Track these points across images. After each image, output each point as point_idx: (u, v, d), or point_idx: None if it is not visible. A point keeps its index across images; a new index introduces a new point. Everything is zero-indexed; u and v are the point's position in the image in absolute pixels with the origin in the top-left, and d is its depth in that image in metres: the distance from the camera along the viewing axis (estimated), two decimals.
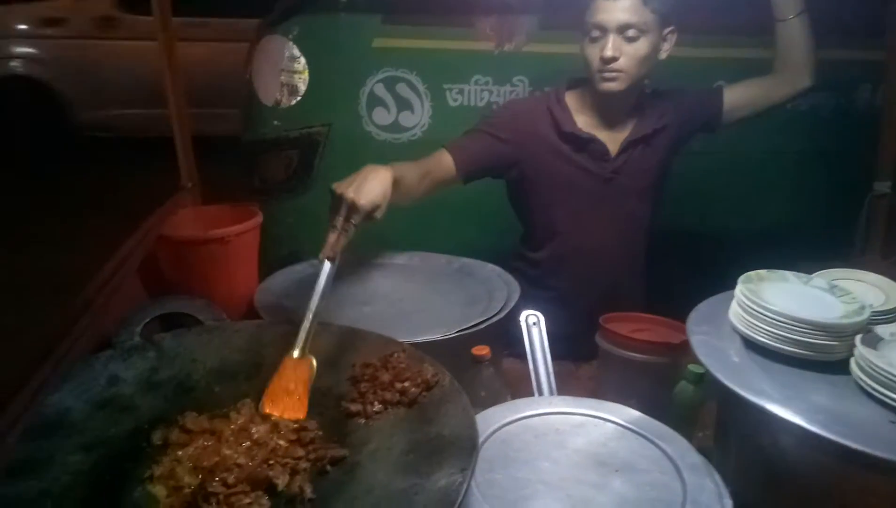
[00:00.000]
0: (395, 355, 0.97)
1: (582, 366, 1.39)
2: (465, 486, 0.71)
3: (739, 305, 0.94)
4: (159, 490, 0.77)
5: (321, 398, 0.95)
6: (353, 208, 1.07)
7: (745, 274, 0.99)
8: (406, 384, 0.91)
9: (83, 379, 0.92)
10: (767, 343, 0.89)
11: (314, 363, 0.98)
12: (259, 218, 1.29)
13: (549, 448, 0.89)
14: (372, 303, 1.29)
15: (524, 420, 0.95)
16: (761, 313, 0.91)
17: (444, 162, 1.38)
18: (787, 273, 1.01)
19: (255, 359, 1.01)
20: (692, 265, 2.17)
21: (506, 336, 1.21)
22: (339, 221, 1.07)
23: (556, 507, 0.79)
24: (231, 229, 1.21)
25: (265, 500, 0.75)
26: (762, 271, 1.01)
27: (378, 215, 1.11)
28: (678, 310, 1.28)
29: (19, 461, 0.77)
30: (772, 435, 0.84)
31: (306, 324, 0.99)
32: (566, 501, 0.80)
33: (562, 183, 1.45)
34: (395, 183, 1.15)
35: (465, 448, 0.78)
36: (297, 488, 0.76)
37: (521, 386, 1.18)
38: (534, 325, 1.09)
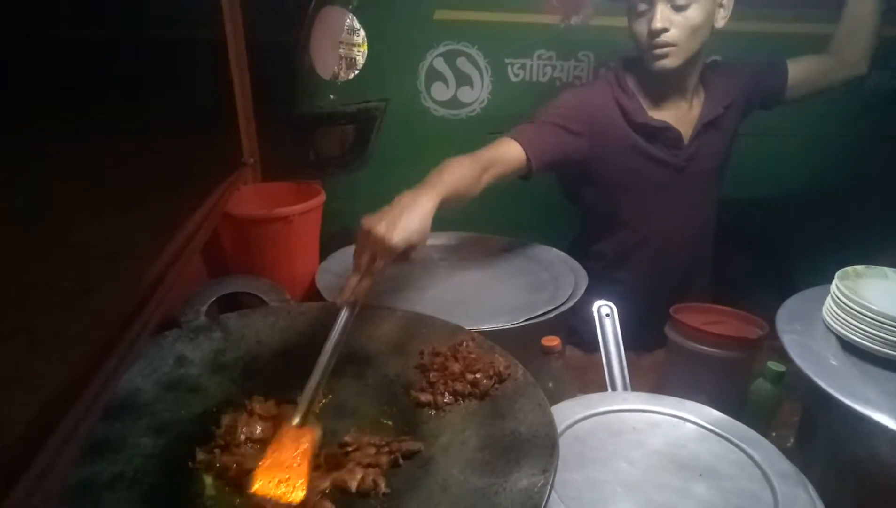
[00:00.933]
0: (465, 344, 0.94)
1: (643, 356, 1.34)
2: (548, 489, 0.68)
3: (836, 303, 0.88)
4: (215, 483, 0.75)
5: (388, 385, 0.92)
6: (381, 248, 0.91)
7: (842, 270, 0.93)
8: (478, 375, 0.88)
9: (151, 359, 0.91)
10: (868, 346, 0.83)
11: (318, 434, 0.83)
12: (322, 197, 1.27)
13: (626, 448, 0.85)
14: (430, 287, 1.25)
15: (598, 417, 0.91)
16: (860, 313, 0.84)
17: (512, 153, 1.25)
18: (887, 270, 0.94)
19: (320, 343, 0.98)
20: (756, 254, 2.09)
21: (565, 325, 1.17)
22: (364, 261, 0.92)
23: None
24: (295, 208, 1.18)
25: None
26: (859, 268, 0.94)
27: (414, 255, 0.96)
28: (741, 302, 1.23)
29: (92, 441, 0.76)
30: (871, 445, 0.78)
31: (312, 384, 0.85)
32: (647, 505, 0.76)
33: (632, 175, 1.37)
34: (445, 201, 1.02)
35: (545, 447, 0.75)
36: (370, 482, 0.74)
37: (583, 379, 1.14)
38: (607, 316, 1.05)
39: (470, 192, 1.15)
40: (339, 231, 1.62)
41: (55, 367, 2.63)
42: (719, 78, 1.39)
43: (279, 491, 0.74)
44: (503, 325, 1.05)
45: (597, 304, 1.06)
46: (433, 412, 0.86)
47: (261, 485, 0.75)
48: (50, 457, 0.60)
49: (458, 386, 0.87)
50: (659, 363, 1.29)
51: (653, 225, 1.40)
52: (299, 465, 0.77)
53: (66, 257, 3.48)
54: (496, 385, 0.87)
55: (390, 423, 0.86)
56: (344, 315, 0.90)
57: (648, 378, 1.26)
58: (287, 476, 0.75)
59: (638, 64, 1.35)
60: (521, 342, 1.00)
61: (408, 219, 0.94)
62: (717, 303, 1.25)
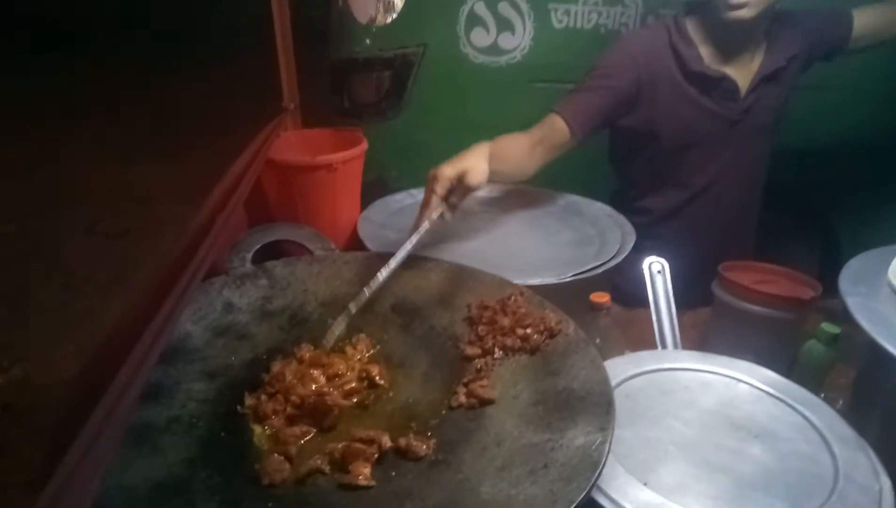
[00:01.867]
0: (513, 298, 0.93)
1: (685, 314, 1.31)
2: (606, 447, 0.67)
3: None
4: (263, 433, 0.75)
5: (435, 338, 0.92)
6: (460, 182, 1.03)
7: None
8: (528, 330, 0.86)
9: (200, 305, 0.91)
10: None
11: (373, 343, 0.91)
12: (365, 144, 1.24)
13: (678, 407, 0.84)
14: (474, 239, 1.23)
15: (648, 375, 0.90)
16: None
17: (558, 128, 1.27)
18: None
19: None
20: (801, 213, 2.03)
21: (608, 281, 1.15)
22: (433, 202, 1.04)
23: (693, 472, 0.74)
24: (339, 156, 1.16)
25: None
26: None
27: (473, 182, 1.06)
28: (784, 262, 1.19)
29: (147, 386, 0.77)
30: None
31: (380, 279, 0.94)
32: (703, 466, 0.75)
33: (683, 128, 1.32)
34: (495, 157, 1.10)
35: (600, 405, 0.74)
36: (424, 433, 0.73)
37: (626, 335, 1.12)
38: (658, 273, 1.02)
39: (523, 165, 1.22)
40: (373, 180, 1.60)
41: (92, 306, 2.68)
42: (783, 29, 1.31)
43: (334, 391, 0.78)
44: (550, 280, 1.03)
45: (648, 260, 1.03)
46: (482, 365, 0.85)
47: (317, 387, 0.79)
48: (112, 401, 0.60)
49: (508, 341, 0.86)
50: (701, 321, 1.27)
51: (702, 181, 1.36)
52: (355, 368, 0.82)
53: (101, 202, 3.51)
54: (547, 341, 0.86)
55: (438, 375, 0.85)
56: (408, 245, 0.98)
57: (691, 336, 1.24)
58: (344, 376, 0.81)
59: (704, 10, 1.28)
60: (565, 297, 0.99)
61: (468, 162, 1.05)
62: (759, 260, 1.22)
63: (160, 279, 0.83)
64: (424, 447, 0.72)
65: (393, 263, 0.96)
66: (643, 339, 1.02)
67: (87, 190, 3.60)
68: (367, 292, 0.93)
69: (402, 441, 0.72)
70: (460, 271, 1.00)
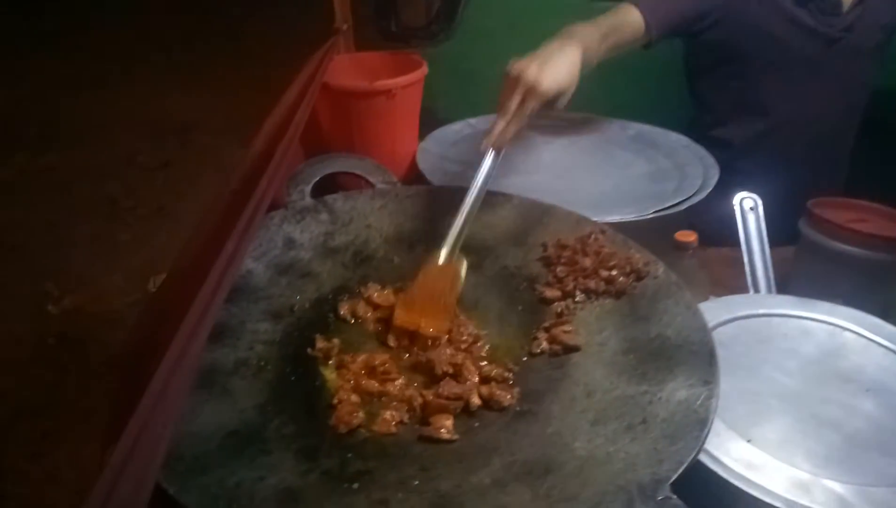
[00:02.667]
0: (594, 237, 0.86)
1: (736, 253, 1.22)
2: (713, 403, 0.61)
3: None
4: (333, 375, 0.71)
5: (509, 279, 0.85)
6: (532, 90, 0.91)
7: None
8: (613, 272, 0.80)
9: (260, 241, 0.86)
10: None
11: (464, 268, 0.83)
12: (424, 69, 1.16)
13: (777, 357, 0.77)
14: (535, 173, 1.15)
15: (741, 321, 0.83)
16: None
17: (631, 20, 1.15)
18: None
19: (432, 228, 0.92)
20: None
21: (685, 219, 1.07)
22: (513, 105, 0.91)
23: (799, 428, 0.68)
24: (399, 81, 1.08)
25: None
26: None
27: (561, 102, 0.96)
28: (879, 197, 1.09)
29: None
30: None
31: (458, 223, 0.85)
32: (810, 422, 0.68)
33: (771, 45, 1.19)
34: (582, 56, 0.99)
35: (700, 355, 0.67)
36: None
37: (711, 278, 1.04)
38: (751, 210, 0.94)
39: (590, 60, 1.06)
40: (422, 109, 1.51)
41: (137, 237, 2.69)
42: None
43: (422, 323, 0.74)
44: (630, 217, 0.95)
45: (739, 196, 0.95)
46: (562, 309, 0.79)
47: (403, 315, 0.75)
48: (184, 341, 0.55)
49: (591, 283, 0.80)
50: (780, 261, 1.19)
51: (790, 109, 1.24)
52: (445, 300, 0.77)
53: (140, 134, 3.47)
54: (634, 284, 0.79)
55: (515, 319, 0.80)
56: (489, 161, 0.90)
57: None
58: (432, 309, 0.76)
59: None
60: (642, 237, 0.91)
61: (559, 62, 0.94)
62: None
63: (223, 211, 0.78)
64: (508, 396, 0.67)
65: (480, 178, 0.88)
66: (724, 283, 0.95)
67: (126, 122, 3.57)
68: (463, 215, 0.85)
69: (485, 390, 0.67)
70: (533, 207, 0.93)
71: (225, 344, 0.72)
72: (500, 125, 0.90)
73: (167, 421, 0.54)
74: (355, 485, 0.56)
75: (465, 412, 0.66)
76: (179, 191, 2.96)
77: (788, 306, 0.84)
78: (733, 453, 0.64)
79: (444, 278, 0.80)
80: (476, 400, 0.66)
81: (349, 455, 0.60)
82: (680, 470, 0.54)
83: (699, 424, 0.59)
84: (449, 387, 0.66)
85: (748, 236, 0.92)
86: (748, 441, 0.65)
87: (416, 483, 0.57)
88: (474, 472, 0.58)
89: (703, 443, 0.57)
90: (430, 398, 0.65)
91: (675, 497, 0.52)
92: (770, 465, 0.63)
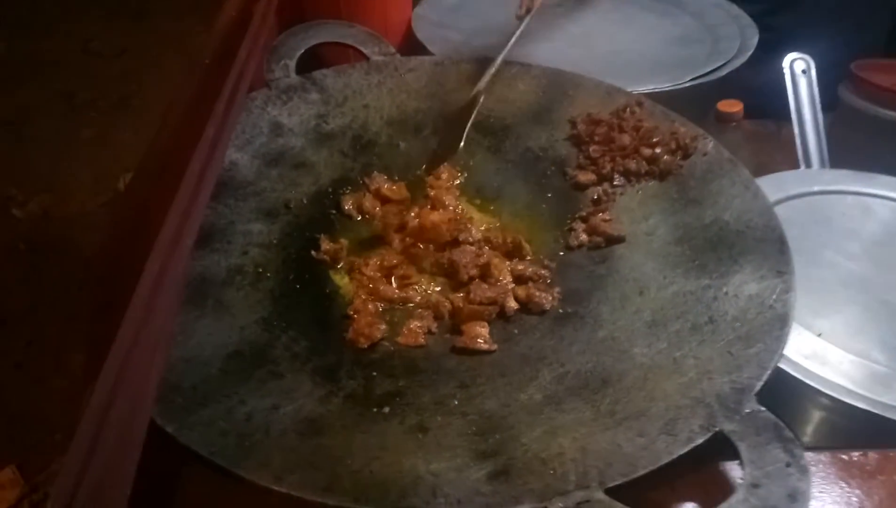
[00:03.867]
0: (629, 110, 0.74)
1: (784, 125, 1.12)
2: (792, 297, 0.53)
3: None
4: (345, 281, 0.61)
5: (534, 162, 0.75)
6: None
7: None
8: (657, 150, 0.69)
9: (242, 127, 0.73)
10: None
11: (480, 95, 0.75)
12: None
13: (838, 239, 0.69)
14: (548, 40, 1.01)
15: (794, 201, 0.74)
16: None
17: None
18: None
19: (440, 107, 0.80)
20: None
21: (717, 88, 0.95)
22: None
23: (871, 318, 0.61)
24: None
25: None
26: None
27: None
28: None
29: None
30: None
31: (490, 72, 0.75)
32: (881, 310, 0.61)
33: None
34: None
35: (767, 241, 0.59)
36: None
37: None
38: (803, 73, 0.82)
39: None
40: None
41: (100, 133, 2.50)
42: None
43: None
44: (665, 86, 0.83)
45: (789, 57, 0.83)
46: (599, 195, 0.69)
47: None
48: (167, 248, 0.45)
49: (631, 164, 0.69)
50: None
51: None
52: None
53: (93, 18, 3.16)
54: (680, 162, 0.69)
55: (545, 209, 0.70)
56: (522, 26, 0.83)
57: (790, 153, 1.07)
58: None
59: None
60: (677, 110, 0.80)
61: None
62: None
63: (196, 93, 0.65)
64: (549, 297, 0.58)
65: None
66: (770, 159, 0.85)
67: (77, 7, 3.24)
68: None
69: (521, 292, 0.59)
70: (556, 78, 0.81)
71: (214, 250, 0.61)
72: None
73: (156, 346, 0.44)
74: (385, 409, 0.48)
75: (501, 318, 0.57)
76: (141, 80, 2.73)
77: (846, 181, 0.76)
78: (804, 349, 0.57)
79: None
80: (512, 304, 0.58)
81: (374, 373, 0.52)
82: (764, 377, 0.47)
83: (778, 322, 0.51)
84: (481, 291, 0.57)
85: (799, 104, 0.82)
86: (819, 335, 0.58)
87: (456, 402, 0.49)
88: (522, 388, 0.50)
89: (785, 344, 0.50)
90: (461, 303, 0.56)
91: (763, 408, 0.44)
92: (845, 361, 0.56)
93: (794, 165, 0.80)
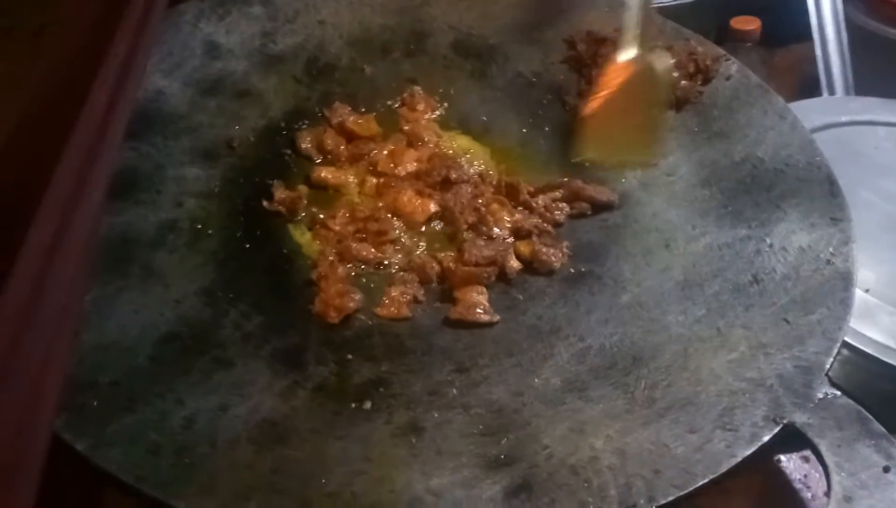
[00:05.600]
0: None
1: (777, 52, 1.03)
2: (853, 248, 0.44)
3: None
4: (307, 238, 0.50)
5: (526, 89, 0.63)
6: None
7: None
8: (672, 73, 0.58)
9: (169, 47, 0.59)
10: None
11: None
12: None
13: (872, 176, 0.61)
14: None
15: (819, 133, 0.64)
16: None
17: None
18: None
19: (412, 25, 0.67)
20: None
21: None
22: None
23: None
24: None
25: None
26: None
27: None
28: None
29: (116, 174, 0.49)
30: None
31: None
32: None
33: None
34: None
35: (815, 182, 0.50)
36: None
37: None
38: None
39: None
40: None
41: (21, 66, 2.26)
42: None
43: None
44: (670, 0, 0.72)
45: None
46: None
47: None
48: (60, 207, 0.33)
49: None
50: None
51: None
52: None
53: None
54: (699, 88, 0.59)
55: (544, 145, 0.59)
56: None
57: (787, 81, 0.97)
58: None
59: None
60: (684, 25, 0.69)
61: None
62: None
63: (100, 4, 0.51)
64: (558, 253, 0.48)
65: None
66: (789, 86, 0.76)
67: None
68: None
69: (524, 247, 0.48)
70: None
71: (139, 201, 0.49)
72: None
73: (55, 333, 0.33)
74: (367, 404, 0.38)
75: (501, 281, 0.47)
76: (60, 2, 2.46)
77: (877, 109, 0.67)
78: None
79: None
80: (514, 263, 0.47)
81: (349, 356, 0.41)
82: (834, 351, 0.38)
83: (840, 280, 0.42)
84: (476, 249, 0.46)
85: (822, 25, 0.72)
86: (866, 292, 0.50)
87: (454, 392, 0.39)
88: (535, 369, 0.41)
89: (852, 308, 0.41)
90: (452, 264, 0.46)
91: (839, 392, 0.36)
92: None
93: (815, 92, 0.71)
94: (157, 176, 0.51)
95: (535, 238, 0.49)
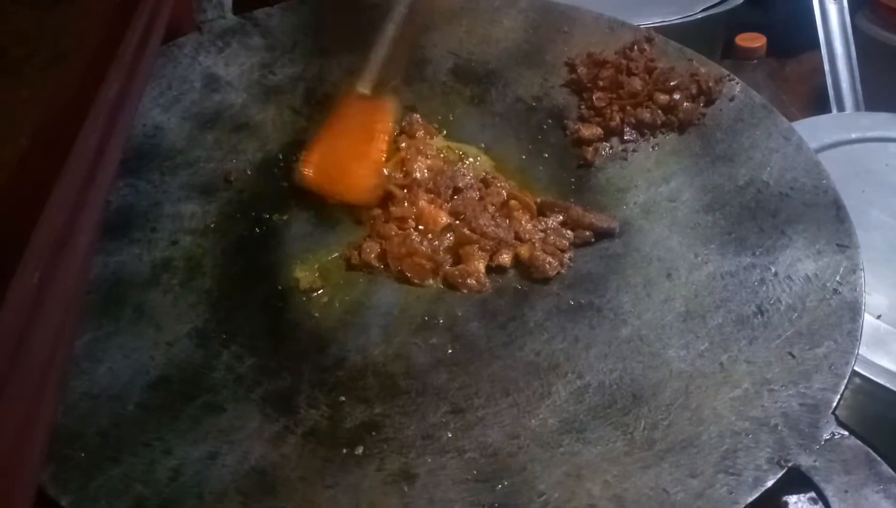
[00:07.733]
0: (637, 47, 0.62)
1: (789, 64, 1.01)
2: (861, 277, 0.43)
3: None
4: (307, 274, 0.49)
5: (526, 114, 0.62)
6: None
7: None
8: (674, 95, 0.57)
9: (168, 81, 0.60)
10: None
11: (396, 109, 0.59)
12: None
13: (883, 195, 0.59)
14: None
15: (828, 151, 0.63)
16: None
17: None
18: None
19: (416, 53, 0.67)
20: None
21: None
22: None
23: None
24: None
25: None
26: None
27: None
28: None
29: (112, 212, 0.49)
30: None
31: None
32: None
33: None
34: None
35: (821, 207, 0.48)
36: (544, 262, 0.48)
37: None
38: (832, 1, 0.70)
39: None
40: None
41: (38, 93, 2.30)
42: None
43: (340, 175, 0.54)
44: (673, 18, 0.71)
45: None
46: (607, 152, 0.58)
47: (314, 169, 0.53)
48: (52, 242, 0.34)
49: (644, 113, 0.58)
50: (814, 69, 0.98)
51: None
52: (373, 144, 0.55)
53: None
54: (702, 110, 0.58)
55: (543, 172, 0.58)
56: None
57: (799, 91, 0.96)
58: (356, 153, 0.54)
59: None
60: (688, 44, 0.68)
61: None
62: None
63: (101, 38, 0.52)
64: (556, 263, 0.47)
65: None
66: (797, 102, 0.74)
67: None
68: None
69: (524, 251, 0.48)
70: (546, 12, 0.68)
71: (133, 241, 0.49)
72: None
73: (41, 383, 0.33)
74: (358, 449, 0.37)
75: (489, 313, 0.46)
76: (80, 32, 2.50)
77: (888, 125, 0.65)
78: (865, 336, 0.47)
79: (371, 115, 0.57)
80: (505, 257, 0.47)
81: (342, 398, 0.40)
82: (841, 388, 0.37)
83: (848, 311, 0.41)
84: (484, 220, 0.49)
85: (829, 38, 0.70)
86: (878, 318, 0.49)
87: (449, 435, 0.38)
88: (531, 410, 0.39)
89: (859, 341, 0.40)
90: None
91: (846, 433, 0.34)
92: None
93: (824, 109, 0.70)
94: (153, 213, 0.51)
95: (536, 244, 0.48)
